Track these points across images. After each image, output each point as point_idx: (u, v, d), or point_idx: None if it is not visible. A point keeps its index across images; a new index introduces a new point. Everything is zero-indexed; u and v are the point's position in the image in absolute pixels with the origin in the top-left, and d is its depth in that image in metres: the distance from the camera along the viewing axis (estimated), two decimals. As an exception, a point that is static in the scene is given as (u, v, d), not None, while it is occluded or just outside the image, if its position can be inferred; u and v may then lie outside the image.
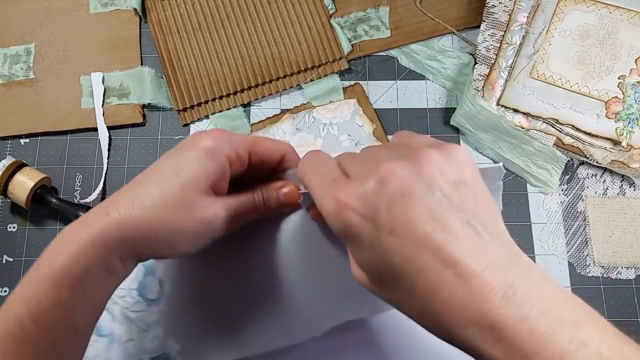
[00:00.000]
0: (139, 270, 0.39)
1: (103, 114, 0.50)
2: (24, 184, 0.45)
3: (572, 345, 0.21)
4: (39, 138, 0.50)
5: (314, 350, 0.39)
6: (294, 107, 0.51)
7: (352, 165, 0.27)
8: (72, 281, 0.26)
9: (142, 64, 0.52)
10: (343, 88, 0.51)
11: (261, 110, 0.51)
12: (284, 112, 0.51)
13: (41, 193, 0.46)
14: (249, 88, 0.51)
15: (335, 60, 0.51)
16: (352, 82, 0.51)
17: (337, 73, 0.51)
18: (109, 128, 0.50)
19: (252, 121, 0.50)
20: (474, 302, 0.22)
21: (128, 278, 0.34)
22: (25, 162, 0.47)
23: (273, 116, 0.51)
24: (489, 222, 0.25)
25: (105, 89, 0.50)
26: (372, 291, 0.27)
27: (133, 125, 0.50)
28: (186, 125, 0.50)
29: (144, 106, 0.51)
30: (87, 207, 0.46)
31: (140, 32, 0.53)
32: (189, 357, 0.38)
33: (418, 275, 0.23)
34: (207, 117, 0.51)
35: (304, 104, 0.51)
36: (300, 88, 0.51)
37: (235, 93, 0.51)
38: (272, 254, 0.36)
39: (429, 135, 0.29)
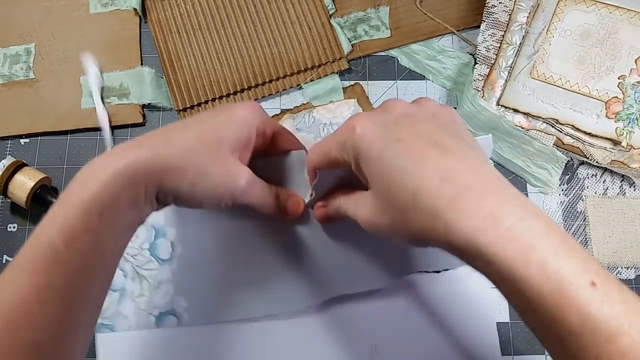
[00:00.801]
0: (150, 233, 0.43)
1: (103, 102, 0.50)
2: (24, 183, 0.45)
3: (560, 252, 0.23)
4: (39, 138, 0.50)
5: (309, 322, 0.43)
6: (294, 107, 0.51)
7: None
8: (102, 208, 0.27)
9: (142, 64, 0.52)
10: (343, 88, 0.51)
11: (262, 111, 0.51)
12: (284, 112, 0.51)
13: (41, 193, 0.46)
14: (249, 88, 0.51)
15: (335, 60, 0.51)
16: (352, 82, 0.51)
17: (337, 73, 0.51)
18: (109, 128, 0.50)
19: (252, 121, 0.50)
20: (476, 194, 0.25)
21: (140, 239, 0.42)
22: (25, 162, 0.47)
23: (273, 116, 0.51)
24: (480, 151, 0.29)
25: (103, 87, 0.50)
26: (380, 224, 0.29)
27: (133, 125, 0.50)
28: (186, 125, 0.50)
29: (144, 106, 0.51)
30: None
31: (140, 32, 0.53)
32: (194, 313, 0.42)
33: (423, 174, 0.26)
34: (207, 117, 0.51)
35: (304, 104, 0.51)
36: (300, 88, 0.51)
37: (235, 93, 0.51)
38: (279, 232, 0.40)
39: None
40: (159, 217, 0.43)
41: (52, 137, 0.50)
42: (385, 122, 0.28)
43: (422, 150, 0.26)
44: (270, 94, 0.51)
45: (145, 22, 0.53)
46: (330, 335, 0.42)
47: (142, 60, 0.52)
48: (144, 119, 0.50)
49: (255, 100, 0.51)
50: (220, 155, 0.31)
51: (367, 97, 0.51)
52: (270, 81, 0.51)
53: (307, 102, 0.51)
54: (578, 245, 0.24)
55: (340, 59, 0.51)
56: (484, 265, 0.24)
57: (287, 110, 0.51)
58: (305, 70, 0.51)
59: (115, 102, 0.50)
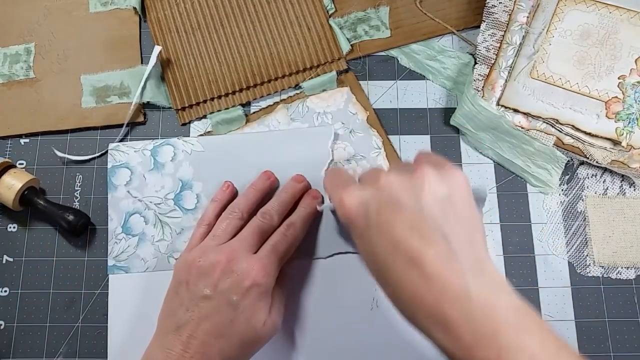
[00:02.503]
0: (176, 184, 0.47)
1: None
2: (11, 186, 0.45)
3: (509, 348, 0.25)
4: (39, 138, 0.50)
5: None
6: (288, 97, 0.51)
7: (365, 176, 0.35)
8: None
9: (142, 62, 0.52)
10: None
11: (260, 109, 0.51)
12: (277, 102, 0.51)
13: (28, 195, 0.45)
14: (248, 88, 0.51)
15: (334, 61, 0.51)
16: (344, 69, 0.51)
17: (336, 73, 0.51)
18: (109, 127, 0.50)
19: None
20: (431, 300, 0.27)
21: (165, 189, 0.47)
22: (12, 162, 0.47)
23: (267, 107, 0.51)
24: (463, 236, 0.29)
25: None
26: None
27: (134, 124, 0.50)
28: (185, 124, 0.50)
29: (144, 105, 0.51)
30: (73, 210, 0.46)
31: (140, 31, 0.53)
32: None
33: (391, 269, 0.29)
34: (205, 116, 0.50)
35: (297, 94, 0.51)
36: (299, 88, 0.51)
37: (234, 92, 0.51)
38: None
39: (442, 157, 0.33)
40: (187, 171, 0.47)
41: (52, 136, 0.50)
42: (370, 206, 0.31)
43: (398, 238, 0.29)
44: (269, 94, 0.51)
45: (145, 21, 0.53)
46: (335, 286, 0.45)
47: (142, 59, 0.52)
48: (144, 118, 0.50)
49: (254, 100, 0.51)
50: (262, 342, 0.38)
51: (359, 85, 0.50)
52: (269, 81, 0.51)
53: (301, 92, 0.51)
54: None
55: (339, 59, 0.51)
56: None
57: (281, 100, 0.51)
58: (304, 70, 0.51)
59: (115, 101, 0.50)
